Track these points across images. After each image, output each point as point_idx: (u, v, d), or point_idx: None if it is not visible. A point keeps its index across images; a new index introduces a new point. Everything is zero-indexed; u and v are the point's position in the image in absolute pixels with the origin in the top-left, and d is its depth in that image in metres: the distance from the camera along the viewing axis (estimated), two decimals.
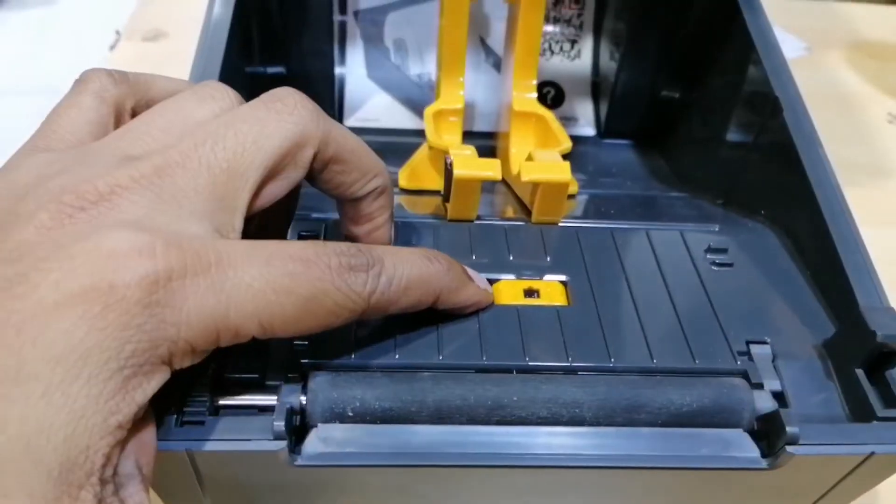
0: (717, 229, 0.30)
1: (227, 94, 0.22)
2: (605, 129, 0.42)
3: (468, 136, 0.41)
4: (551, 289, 0.27)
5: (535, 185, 0.29)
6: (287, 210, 0.26)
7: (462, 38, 0.34)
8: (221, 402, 0.22)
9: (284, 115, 0.21)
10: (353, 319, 0.21)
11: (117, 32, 0.49)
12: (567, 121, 0.43)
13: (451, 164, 0.28)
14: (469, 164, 0.28)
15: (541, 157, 0.30)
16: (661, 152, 0.41)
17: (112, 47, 0.48)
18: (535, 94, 0.35)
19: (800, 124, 0.30)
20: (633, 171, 0.39)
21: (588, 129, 0.43)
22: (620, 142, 0.42)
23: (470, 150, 0.29)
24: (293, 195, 0.25)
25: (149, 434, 0.19)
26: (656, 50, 0.39)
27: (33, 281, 0.16)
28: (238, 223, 0.20)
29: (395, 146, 0.39)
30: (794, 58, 0.53)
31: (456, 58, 0.34)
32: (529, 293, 0.26)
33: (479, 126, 0.42)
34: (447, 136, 0.35)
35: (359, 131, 0.40)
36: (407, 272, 0.22)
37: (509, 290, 0.26)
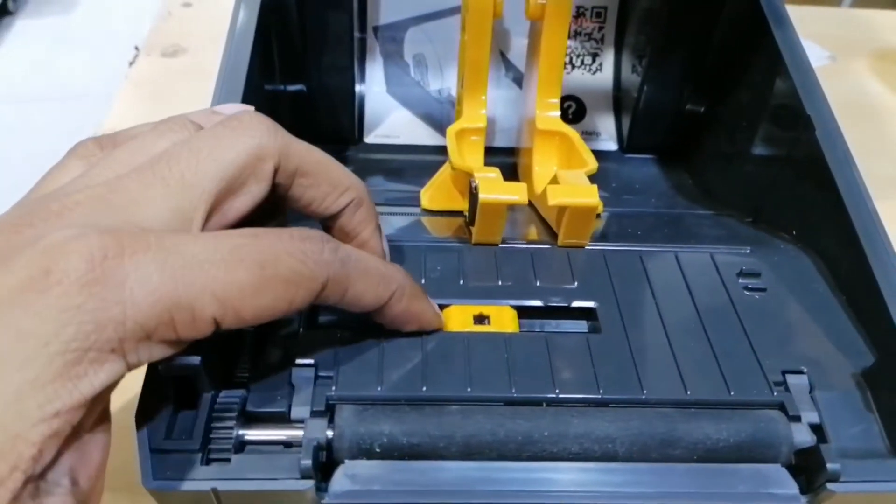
0: (748, 251, 0.29)
1: (186, 125, 0.22)
2: (628, 143, 0.41)
3: (488, 151, 0.40)
4: (501, 314, 0.26)
5: (562, 209, 0.28)
6: None
7: (485, 55, 0.33)
8: (247, 436, 0.22)
9: (240, 130, 0.21)
10: (317, 294, 0.20)
11: (136, 48, 0.48)
12: (588, 135, 0.42)
13: (476, 188, 0.28)
14: (495, 188, 0.27)
15: (566, 178, 0.29)
16: (686, 168, 0.40)
17: (131, 63, 0.48)
18: (558, 112, 0.34)
19: (833, 143, 0.29)
20: (658, 188, 0.39)
21: (610, 144, 0.42)
22: (644, 157, 0.41)
23: (495, 173, 0.29)
24: (280, 223, 0.25)
25: (95, 445, 0.18)
26: (681, 63, 0.38)
27: None
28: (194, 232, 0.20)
29: (415, 163, 0.38)
30: (817, 67, 0.52)
31: (478, 75, 0.34)
32: (480, 320, 0.26)
33: (500, 142, 0.41)
34: (469, 156, 0.34)
35: (379, 148, 0.41)
36: (365, 258, 0.22)
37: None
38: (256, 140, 0.21)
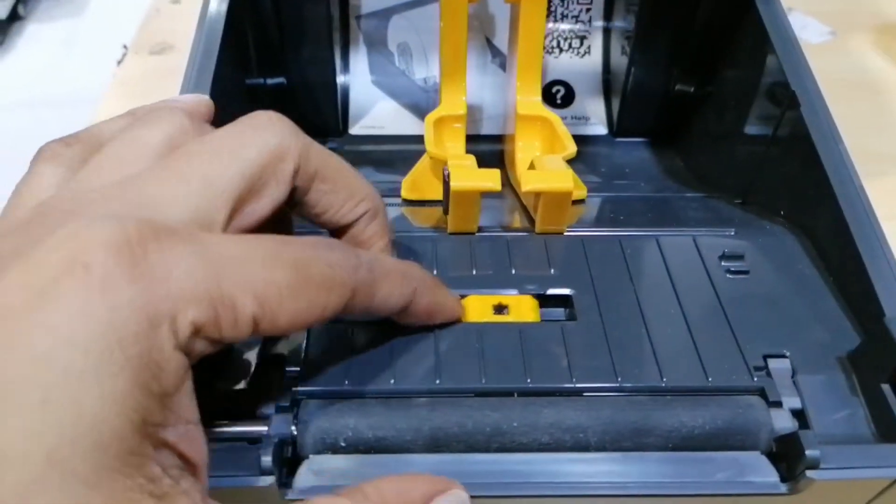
0: (732, 233, 0.29)
1: (174, 111, 0.21)
2: (618, 127, 0.40)
3: (475, 140, 0.40)
4: (520, 304, 0.25)
5: (538, 195, 0.27)
6: None
7: (462, 40, 0.33)
8: (210, 432, 0.21)
9: (261, 128, 0.20)
10: (347, 300, 0.19)
11: (124, 47, 0.48)
12: (578, 120, 0.41)
13: (447, 176, 0.27)
14: (467, 176, 0.27)
15: (543, 164, 0.29)
16: (677, 150, 0.39)
17: (119, 62, 0.48)
18: (539, 97, 0.34)
19: (818, 120, 0.28)
20: (648, 172, 0.38)
21: (600, 129, 0.41)
22: (634, 140, 0.40)
23: (470, 160, 0.28)
24: (286, 230, 0.24)
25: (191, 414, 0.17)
26: (669, 43, 0.37)
27: None
28: None
29: (401, 154, 0.38)
30: (817, 43, 0.51)
31: (456, 61, 0.33)
32: (499, 309, 0.25)
33: (487, 129, 0.40)
34: (450, 144, 0.34)
35: (364, 139, 0.40)
36: (384, 260, 0.21)
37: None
38: (278, 139, 0.20)
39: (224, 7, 0.30)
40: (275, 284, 0.17)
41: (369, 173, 0.37)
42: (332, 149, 0.38)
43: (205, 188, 0.19)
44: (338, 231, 0.23)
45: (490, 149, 0.38)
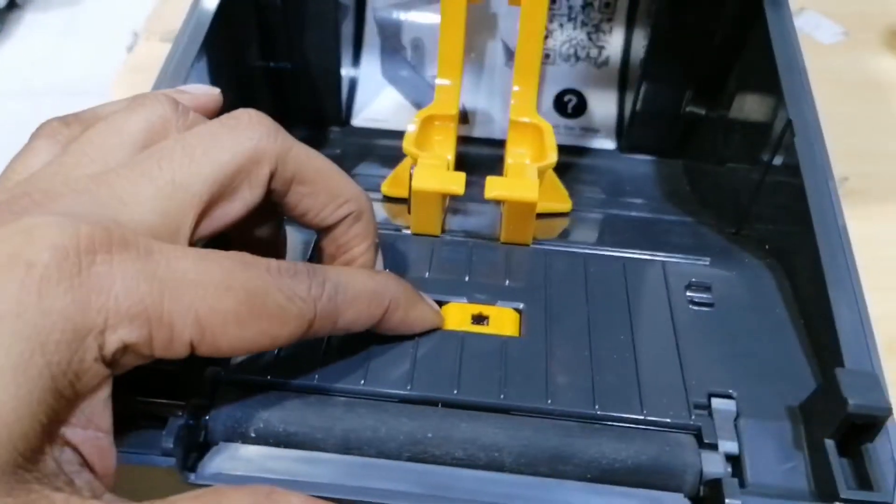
0: (707, 263, 0.27)
1: (160, 99, 0.21)
2: (626, 142, 0.39)
3: (479, 143, 0.39)
4: (503, 316, 0.25)
5: (503, 204, 0.27)
6: (275, 252, 0.24)
7: (458, 39, 0.32)
8: (125, 407, 0.21)
9: (238, 129, 0.20)
10: (303, 331, 0.19)
11: (135, 34, 0.49)
12: (586, 132, 0.40)
13: (411, 175, 0.27)
14: (430, 176, 0.26)
15: (515, 171, 0.28)
16: (684, 171, 0.38)
17: (130, 48, 0.48)
18: (534, 103, 0.33)
19: (812, 154, 0.27)
20: (649, 191, 0.36)
21: (607, 143, 0.40)
22: (641, 157, 0.39)
23: (440, 161, 0.28)
24: (277, 236, 0.24)
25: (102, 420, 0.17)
26: (682, 61, 0.36)
27: None
28: (182, 243, 0.19)
29: (399, 150, 0.37)
30: (830, 43, 0.49)
31: (452, 60, 0.33)
32: (478, 319, 0.25)
33: (496, 133, 0.40)
34: (439, 143, 0.33)
35: (365, 132, 0.40)
36: (353, 283, 0.21)
37: (457, 314, 0.25)
38: (254, 142, 0.20)
39: None
40: (221, 311, 0.17)
41: (365, 166, 0.37)
42: (332, 139, 0.39)
43: (173, 192, 0.18)
44: (320, 231, 0.23)
45: (491, 153, 0.38)
